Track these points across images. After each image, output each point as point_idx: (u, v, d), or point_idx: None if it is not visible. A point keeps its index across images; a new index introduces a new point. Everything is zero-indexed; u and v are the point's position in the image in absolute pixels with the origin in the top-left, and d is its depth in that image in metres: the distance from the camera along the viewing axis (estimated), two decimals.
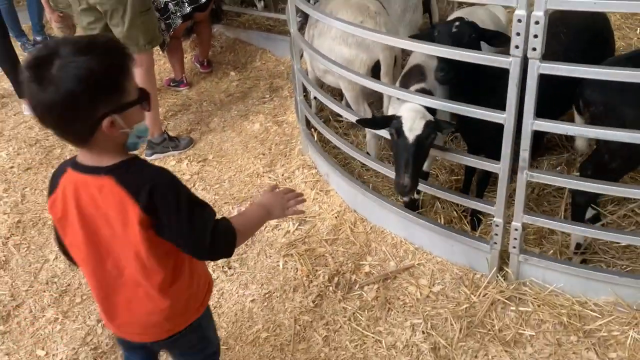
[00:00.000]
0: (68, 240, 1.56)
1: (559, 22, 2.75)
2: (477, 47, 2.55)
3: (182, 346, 1.78)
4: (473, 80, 2.55)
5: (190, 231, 1.48)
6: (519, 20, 2.04)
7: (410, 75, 2.83)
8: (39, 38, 6.12)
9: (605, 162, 2.43)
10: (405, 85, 2.78)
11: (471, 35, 2.51)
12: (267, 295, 2.74)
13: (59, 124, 1.39)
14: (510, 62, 2.14)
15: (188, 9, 4.54)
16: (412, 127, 2.39)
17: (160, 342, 1.71)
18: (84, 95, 1.32)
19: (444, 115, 2.82)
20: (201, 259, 1.64)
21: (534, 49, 2.05)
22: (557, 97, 2.56)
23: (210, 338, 1.87)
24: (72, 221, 1.50)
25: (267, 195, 1.79)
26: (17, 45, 6.04)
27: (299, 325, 2.57)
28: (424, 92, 2.67)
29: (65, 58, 1.31)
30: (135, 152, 1.55)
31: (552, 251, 2.75)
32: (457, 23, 2.54)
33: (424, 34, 2.83)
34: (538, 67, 2.08)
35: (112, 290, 1.59)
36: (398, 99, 2.69)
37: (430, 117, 2.45)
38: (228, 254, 1.60)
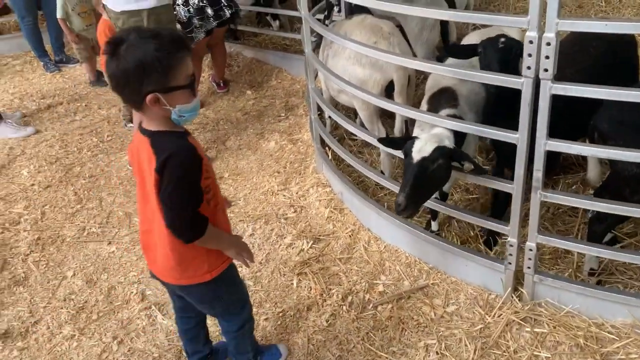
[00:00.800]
0: (136, 180, 1.96)
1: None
2: (517, 65, 2.51)
3: (193, 298, 2.10)
4: (507, 105, 2.47)
5: (171, 206, 1.76)
6: (531, 42, 2.05)
7: (440, 99, 2.76)
8: (57, 57, 6.28)
9: (626, 196, 2.35)
10: (435, 108, 2.73)
11: (517, 51, 2.49)
12: (280, 314, 2.75)
13: (115, 90, 1.76)
14: (522, 83, 2.15)
15: (214, 24, 4.61)
16: (421, 149, 2.41)
17: (174, 286, 2.04)
18: (135, 73, 1.65)
19: (474, 141, 2.82)
20: (172, 232, 1.83)
21: (546, 70, 2.06)
22: (578, 116, 2.53)
23: (217, 303, 2.13)
24: (134, 168, 1.94)
25: (237, 238, 2.09)
26: (40, 65, 6.21)
27: (312, 345, 2.57)
28: (455, 118, 2.61)
29: (131, 42, 1.66)
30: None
31: (567, 272, 2.73)
32: (502, 39, 2.54)
33: (465, 49, 2.82)
34: (550, 88, 2.09)
35: (148, 229, 1.96)
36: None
37: (448, 144, 2.43)
38: (188, 241, 1.84)
